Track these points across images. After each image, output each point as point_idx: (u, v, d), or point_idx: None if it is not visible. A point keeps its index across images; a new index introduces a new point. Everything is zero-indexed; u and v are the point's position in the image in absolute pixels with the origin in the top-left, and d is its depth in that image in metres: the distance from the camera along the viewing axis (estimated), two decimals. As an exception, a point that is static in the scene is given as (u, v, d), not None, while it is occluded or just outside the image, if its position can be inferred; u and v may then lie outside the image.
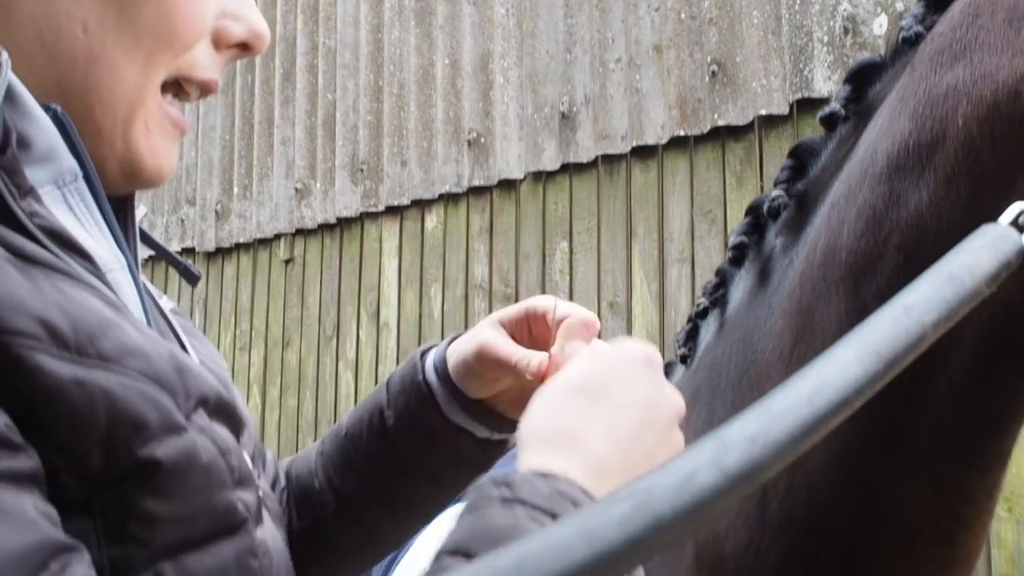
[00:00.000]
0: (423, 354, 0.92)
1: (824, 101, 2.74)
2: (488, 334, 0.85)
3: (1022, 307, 0.78)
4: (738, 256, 1.09)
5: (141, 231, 0.76)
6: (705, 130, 3.01)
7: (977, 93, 0.82)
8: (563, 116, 3.40)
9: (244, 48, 0.73)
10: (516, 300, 3.48)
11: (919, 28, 0.93)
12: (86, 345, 0.55)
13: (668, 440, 0.65)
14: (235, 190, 4.79)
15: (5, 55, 0.59)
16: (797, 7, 2.85)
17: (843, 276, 0.90)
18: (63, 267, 0.59)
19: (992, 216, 0.65)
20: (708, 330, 1.14)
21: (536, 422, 0.64)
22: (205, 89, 0.73)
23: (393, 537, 0.98)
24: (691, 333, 1.17)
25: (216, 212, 4.85)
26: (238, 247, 4.80)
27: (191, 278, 0.84)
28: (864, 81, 0.99)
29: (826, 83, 2.75)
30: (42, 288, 0.55)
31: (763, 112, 2.87)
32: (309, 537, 0.90)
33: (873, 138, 0.92)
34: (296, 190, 4.46)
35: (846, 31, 2.76)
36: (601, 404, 0.63)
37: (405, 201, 3.94)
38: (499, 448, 0.92)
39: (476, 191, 3.70)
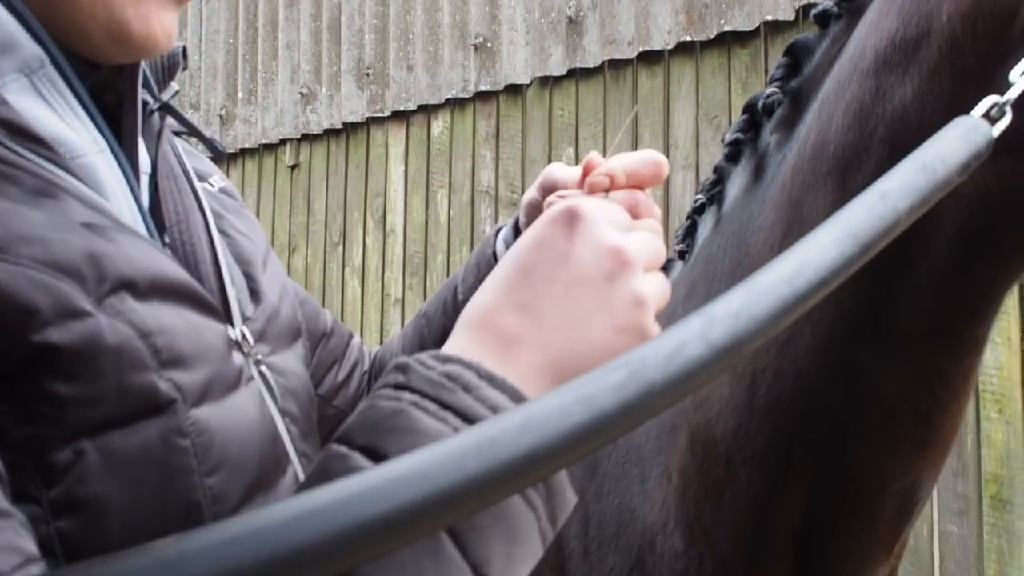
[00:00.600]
0: (497, 232, 0.97)
1: (831, 6, 2.74)
2: (547, 169, 0.88)
3: (997, 197, 0.83)
4: (734, 152, 1.12)
5: (165, 104, 0.77)
6: (711, 35, 3.01)
7: None
8: (570, 21, 3.39)
9: None
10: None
11: None
12: None
13: (620, 309, 0.61)
14: (239, 95, 4.78)
15: None
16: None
17: (831, 169, 0.93)
18: (14, 160, 0.60)
19: (969, 107, 0.70)
20: (706, 226, 1.17)
21: (476, 301, 0.63)
22: None
23: None
24: (689, 229, 1.20)
25: (220, 117, 4.85)
26: (243, 152, 4.82)
27: (218, 152, 0.84)
28: None
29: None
30: None
31: (769, 18, 2.87)
32: None
33: (862, 35, 0.96)
34: (301, 95, 4.46)
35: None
36: (519, 272, 0.61)
37: (411, 106, 3.96)
38: None
39: (482, 96, 3.71)
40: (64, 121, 0.65)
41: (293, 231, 4.59)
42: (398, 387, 0.55)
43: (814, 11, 1.05)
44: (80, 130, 0.66)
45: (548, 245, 0.61)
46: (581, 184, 0.73)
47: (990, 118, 0.68)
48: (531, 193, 0.94)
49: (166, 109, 0.78)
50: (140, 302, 0.61)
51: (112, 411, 0.58)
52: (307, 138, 4.50)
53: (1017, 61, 0.72)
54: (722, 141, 1.16)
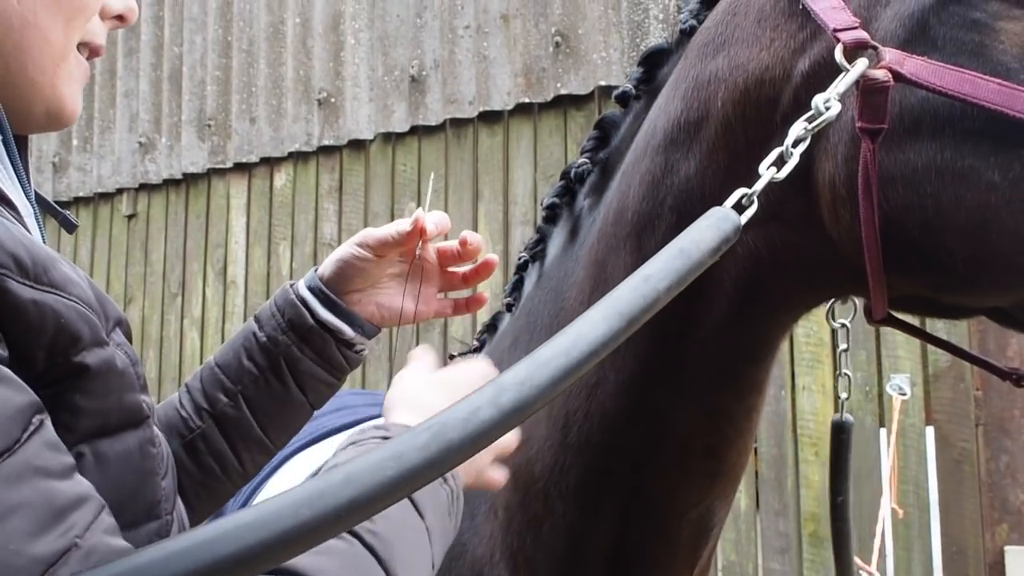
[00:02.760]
0: (291, 285, 1.13)
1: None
2: (360, 235, 1.13)
3: (766, 259, 0.95)
4: (550, 216, 1.23)
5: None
6: (549, 98, 3.15)
7: (732, 80, 0.97)
8: (413, 79, 3.48)
9: (120, 19, 0.89)
10: (365, 258, 3.56)
11: (693, 21, 1.09)
12: (41, 275, 0.68)
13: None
14: (74, 142, 4.64)
15: None
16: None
17: (629, 233, 1.04)
18: (4, 215, 0.71)
19: (745, 182, 0.81)
20: (530, 281, 1.27)
21: (402, 395, 0.91)
22: (95, 54, 0.87)
23: (251, 459, 1.09)
24: (516, 284, 1.30)
25: (54, 164, 4.69)
26: (77, 201, 4.66)
27: (69, 227, 0.96)
28: (654, 64, 1.13)
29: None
30: (8, 228, 0.68)
31: (603, 83, 3.04)
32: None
33: (654, 115, 1.07)
34: (140, 144, 4.37)
35: (679, 9, 2.96)
36: (455, 392, 0.85)
37: (254, 158, 3.94)
38: (356, 358, 1.14)
39: (326, 150, 3.74)
40: (9, 188, 0.77)
41: (130, 282, 4.46)
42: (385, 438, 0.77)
43: (616, 92, 1.17)
44: (18, 195, 0.79)
45: (457, 375, 0.95)
46: (411, 238, 1.06)
47: (740, 207, 0.79)
48: (346, 248, 1.09)
49: None
50: (124, 336, 0.78)
51: (108, 422, 0.72)
52: (145, 188, 4.40)
53: (780, 142, 0.83)
54: (541, 205, 1.26)
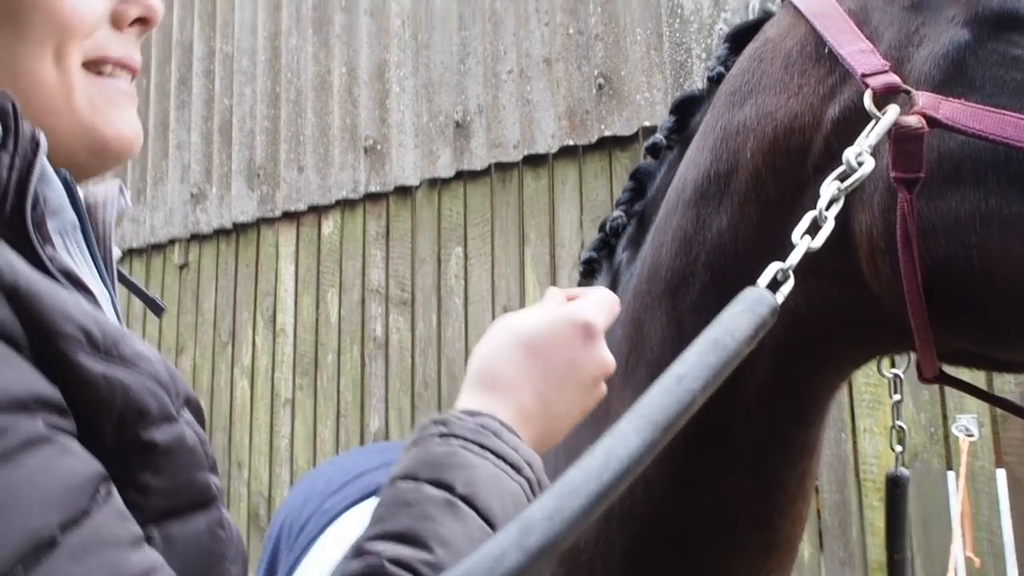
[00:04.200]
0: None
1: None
2: None
3: (806, 317, 0.90)
4: (588, 270, 1.19)
5: (118, 269, 0.87)
6: (593, 140, 3.13)
7: (761, 130, 0.93)
8: (457, 125, 3.48)
9: (143, 22, 0.82)
10: (412, 305, 3.55)
11: (721, 68, 1.05)
12: (111, 349, 0.67)
13: (589, 394, 0.83)
14: (128, 194, 4.72)
15: (44, 138, 0.69)
16: (677, 26, 3.01)
17: (663, 291, 1.00)
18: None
19: (779, 236, 0.76)
20: None
21: (483, 363, 0.81)
22: (123, 66, 0.81)
23: None
24: None
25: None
26: (131, 252, 4.74)
27: (156, 309, 0.96)
28: (685, 112, 1.10)
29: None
30: (80, 303, 0.68)
31: (647, 123, 3.01)
32: None
33: (684, 168, 1.04)
34: (191, 195, 4.44)
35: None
36: (537, 359, 0.80)
37: (302, 207, 3.97)
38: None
39: (372, 197, 3.76)
40: (84, 274, 0.76)
41: (181, 331, 4.50)
42: (444, 435, 0.72)
43: (646, 143, 1.13)
44: (95, 282, 0.79)
45: (567, 348, 0.82)
46: None
47: (776, 283, 0.74)
48: None
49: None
50: (192, 415, 0.75)
51: (177, 502, 0.70)
52: (197, 238, 4.46)
53: (813, 193, 0.79)
54: (579, 259, 1.23)
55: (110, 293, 0.81)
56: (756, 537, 0.98)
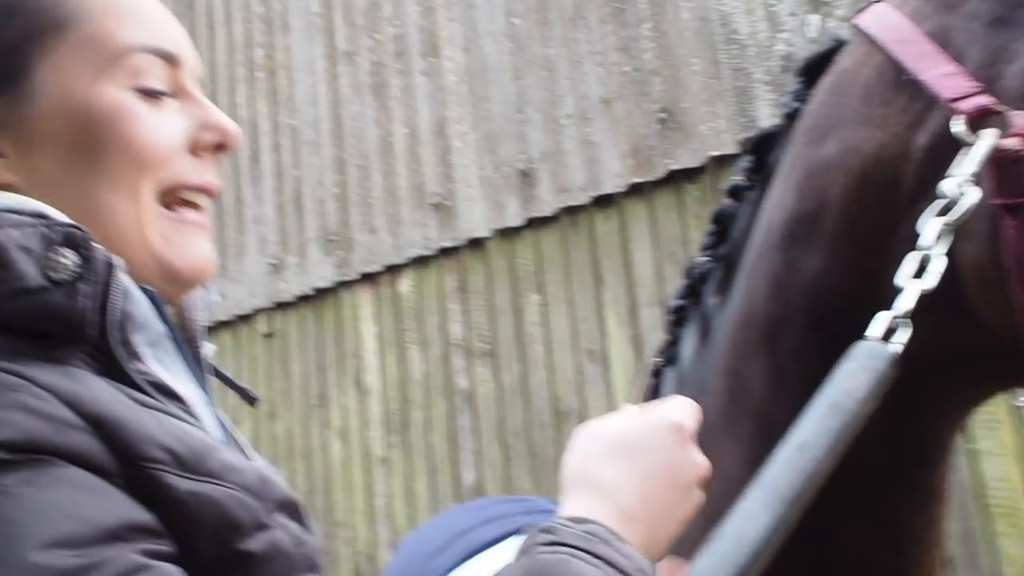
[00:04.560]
0: None
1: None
2: None
3: (917, 356, 0.84)
4: (677, 319, 1.16)
5: (212, 365, 0.89)
6: (660, 175, 3.12)
7: (846, 165, 0.89)
8: (522, 173, 3.50)
9: (220, 147, 0.84)
10: (495, 356, 3.56)
11: (796, 104, 1.01)
12: (198, 466, 0.69)
13: (688, 499, 0.79)
14: (215, 289, 4.85)
15: (119, 261, 0.72)
16: (735, 52, 2.98)
17: (760, 338, 0.97)
18: (167, 410, 0.72)
19: (878, 274, 0.73)
20: (668, 385, 1.19)
21: (578, 467, 0.80)
22: (203, 191, 0.83)
23: None
24: (654, 389, 1.23)
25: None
26: (219, 325, 4.85)
27: (250, 400, 0.96)
28: (763, 150, 1.06)
29: (772, 119, 2.86)
30: (162, 422, 0.69)
31: (714, 153, 2.98)
32: None
33: (769, 209, 1.00)
34: (271, 265, 4.53)
35: (785, 69, 2.89)
36: (635, 462, 0.78)
37: (377, 267, 4.03)
38: None
39: (445, 252, 3.79)
40: (178, 380, 0.78)
41: (272, 398, 4.58)
42: (552, 544, 0.70)
43: (727, 186, 1.11)
44: (189, 386, 0.80)
45: (663, 450, 0.79)
46: None
47: (889, 332, 0.70)
48: None
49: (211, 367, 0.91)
50: (288, 518, 0.76)
51: None
52: (280, 306, 4.55)
53: (909, 225, 0.76)
54: (667, 308, 1.20)
55: (205, 392, 0.82)
56: None
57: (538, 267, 3.47)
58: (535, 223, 3.48)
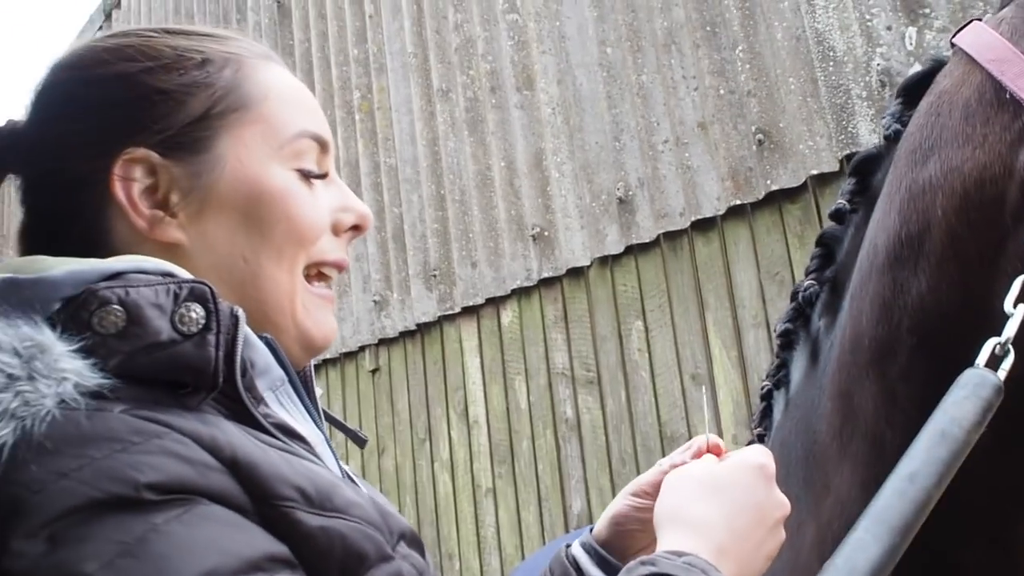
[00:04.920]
0: (568, 546, 1.11)
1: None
2: (631, 484, 1.08)
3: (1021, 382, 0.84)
4: (786, 342, 1.17)
5: (324, 410, 0.95)
6: (760, 196, 3.10)
7: (949, 186, 0.90)
8: (620, 201, 3.52)
9: (356, 228, 0.93)
10: (599, 384, 3.57)
11: (897, 126, 1.02)
12: (325, 502, 0.74)
13: (774, 537, 0.84)
14: (317, 310, 4.99)
15: (241, 312, 0.78)
16: (831, 69, 2.96)
17: (869, 361, 0.97)
18: (292, 450, 0.78)
19: (983, 293, 0.73)
20: (778, 409, 1.21)
21: (670, 507, 0.85)
22: (337, 267, 0.92)
23: None
24: (764, 412, 1.24)
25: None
26: (326, 363, 4.98)
27: (359, 442, 1.02)
28: (866, 172, 1.07)
29: (871, 135, 2.83)
30: (291, 462, 0.74)
31: (814, 172, 2.95)
32: None
33: (873, 232, 1.01)
34: (375, 302, 4.64)
35: (883, 84, 2.85)
36: (724, 501, 0.83)
37: (479, 300, 4.08)
38: None
39: (546, 282, 3.83)
40: (298, 422, 0.84)
41: (380, 432, 4.67)
42: (653, 575, 0.74)
43: (829, 210, 1.12)
44: (308, 427, 0.86)
45: (750, 490, 0.84)
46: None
47: (996, 358, 0.71)
48: (619, 502, 1.05)
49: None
50: (409, 548, 0.81)
51: None
52: (384, 342, 4.65)
53: (1016, 244, 0.75)
54: (775, 331, 1.21)
55: (323, 434, 0.88)
56: None
57: (639, 293, 3.47)
58: (635, 249, 3.49)
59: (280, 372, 0.84)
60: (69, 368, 0.69)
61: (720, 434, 3.11)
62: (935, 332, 0.88)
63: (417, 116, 4.48)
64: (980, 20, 0.94)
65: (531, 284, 3.87)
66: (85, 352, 0.70)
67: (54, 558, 0.62)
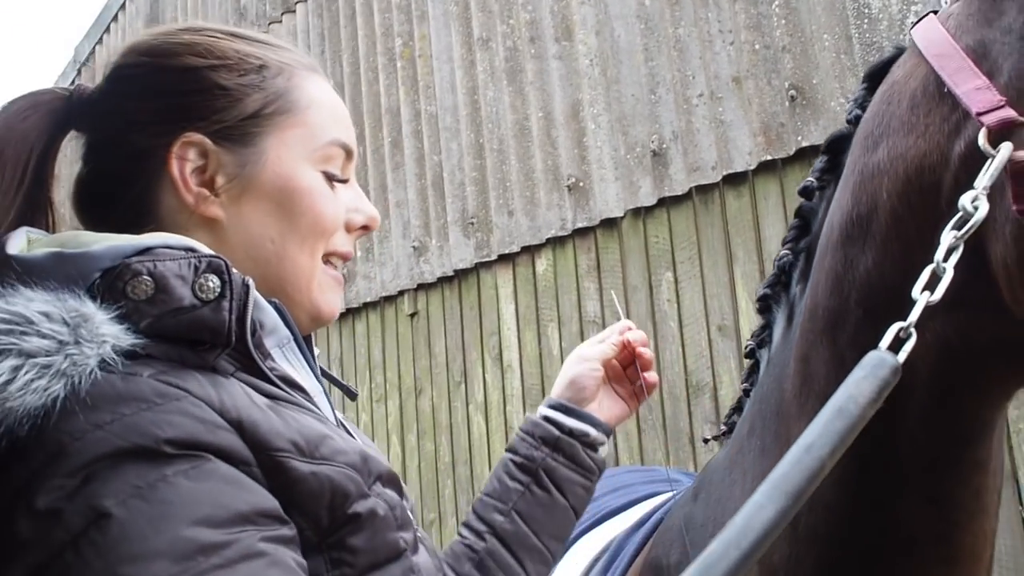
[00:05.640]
0: (529, 416, 1.32)
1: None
2: (579, 353, 1.37)
3: (958, 347, 0.92)
4: (764, 307, 1.25)
5: (320, 367, 1.10)
6: (791, 152, 3.14)
7: (894, 171, 0.96)
8: (654, 153, 3.57)
9: (365, 228, 1.09)
10: (629, 331, 3.65)
11: (858, 111, 1.08)
12: (314, 452, 0.87)
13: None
14: (359, 254, 5.11)
15: (251, 281, 0.90)
16: (866, 26, 2.97)
17: (823, 329, 1.05)
18: (293, 400, 0.92)
19: (921, 267, 0.80)
20: (762, 366, 1.30)
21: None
22: (344, 257, 1.07)
23: (533, 568, 1.27)
24: (751, 369, 1.32)
25: (343, 276, 5.19)
26: (366, 306, 5.12)
27: (350, 394, 1.17)
28: (838, 150, 1.13)
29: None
30: (286, 419, 0.87)
31: (845, 129, 2.98)
32: None
33: (831, 210, 1.08)
34: (414, 248, 4.75)
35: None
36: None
37: (515, 248, 4.17)
38: (600, 460, 1.29)
39: (580, 232, 3.90)
40: (300, 375, 0.98)
41: (417, 374, 4.80)
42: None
43: (798, 187, 1.18)
44: (310, 380, 1.00)
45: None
46: (622, 350, 1.34)
47: (898, 341, 0.78)
48: (574, 368, 1.33)
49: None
50: (384, 487, 0.94)
51: (377, 558, 0.90)
52: (422, 287, 4.76)
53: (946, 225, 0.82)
54: (755, 296, 1.29)
55: (321, 385, 1.03)
56: (936, 553, 1.01)
57: (670, 245, 3.54)
58: (667, 202, 3.55)
59: (286, 332, 0.98)
60: (108, 332, 0.81)
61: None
62: (879, 305, 0.94)
63: (457, 64, 4.53)
64: (935, 12, 1.00)
65: (565, 234, 3.95)
66: (120, 318, 0.83)
67: (84, 491, 0.75)
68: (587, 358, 1.33)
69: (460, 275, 4.53)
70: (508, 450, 1.29)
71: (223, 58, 1.00)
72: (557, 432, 1.25)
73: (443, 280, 4.63)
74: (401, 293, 4.88)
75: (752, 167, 3.25)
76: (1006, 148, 0.82)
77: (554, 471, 1.24)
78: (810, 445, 0.71)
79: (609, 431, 1.30)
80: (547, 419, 1.28)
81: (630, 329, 1.39)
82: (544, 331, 4.06)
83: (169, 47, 1.00)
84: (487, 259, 4.33)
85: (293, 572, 0.79)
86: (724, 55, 3.36)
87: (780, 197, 3.20)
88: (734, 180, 3.33)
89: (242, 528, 0.78)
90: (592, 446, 1.27)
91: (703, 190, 3.43)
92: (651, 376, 1.37)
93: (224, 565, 0.74)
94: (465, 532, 1.26)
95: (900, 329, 0.79)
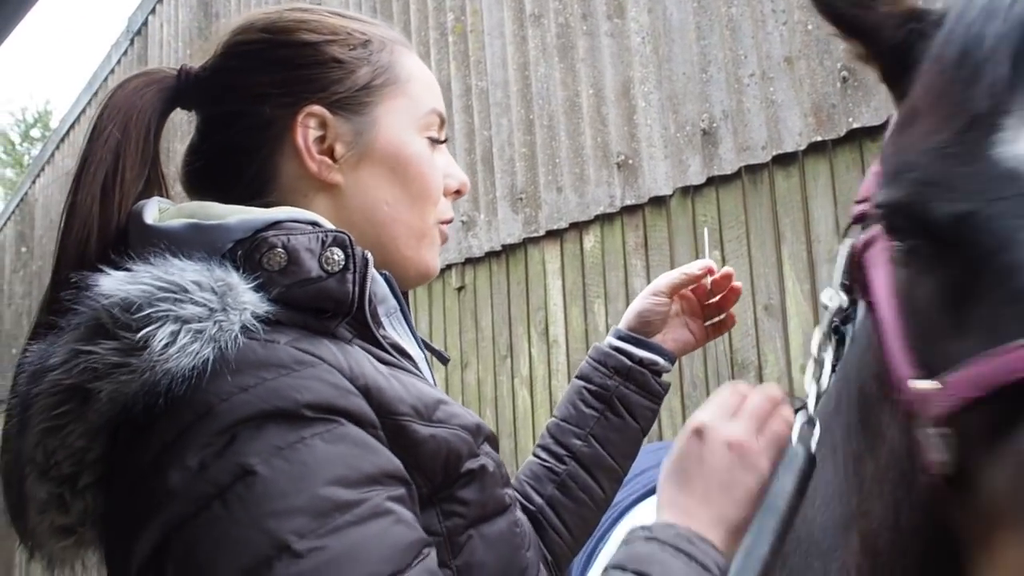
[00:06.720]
0: (598, 345, 1.42)
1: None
2: (652, 285, 1.47)
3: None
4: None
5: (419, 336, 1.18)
6: (842, 133, 3.13)
7: None
8: (704, 132, 3.58)
9: (457, 193, 1.17)
10: (674, 309, 3.68)
11: None
12: (431, 415, 0.95)
13: (747, 502, 0.93)
14: (408, 228, 5.18)
15: (370, 255, 0.97)
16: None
17: None
18: (404, 366, 0.99)
19: None
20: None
21: (663, 495, 0.99)
22: (448, 222, 1.15)
23: (609, 485, 1.38)
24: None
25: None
26: (414, 279, 5.19)
27: (443, 359, 1.24)
28: None
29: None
30: (405, 384, 0.94)
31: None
32: (543, 515, 1.33)
33: None
34: (463, 222, 4.81)
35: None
36: (693, 480, 0.96)
37: (563, 224, 4.21)
38: (666, 384, 1.40)
39: (628, 210, 3.93)
40: (405, 342, 1.07)
41: (464, 348, 4.87)
42: (648, 538, 0.89)
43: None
44: (413, 347, 1.09)
45: (688, 455, 0.97)
46: (697, 279, 1.42)
47: (803, 430, 0.85)
48: (642, 301, 1.40)
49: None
50: (490, 447, 1.03)
51: (486, 511, 0.98)
52: (470, 261, 4.82)
53: None
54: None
55: (423, 352, 1.11)
56: None
57: (719, 224, 3.55)
58: (716, 181, 3.57)
59: (394, 302, 1.07)
60: (248, 300, 0.89)
61: (789, 363, 3.21)
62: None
63: (509, 40, 4.56)
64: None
65: (614, 211, 3.98)
66: (257, 287, 0.90)
67: (231, 449, 0.82)
68: (657, 291, 1.43)
69: (508, 250, 4.58)
70: (580, 377, 1.40)
71: (334, 33, 1.07)
72: (629, 362, 1.37)
73: (491, 255, 4.68)
74: (449, 267, 4.94)
75: (802, 148, 3.25)
76: (850, 240, 0.89)
77: (627, 398, 1.36)
78: (749, 549, 0.80)
79: (674, 359, 1.41)
80: (617, 349, 1.38)
81: (710, 270, 1.48)
82: (590, 307, 4.11)
83: (285, 24, 1.07)
84: (535, 235, 4.38)
85: (415, 530, 0.86)
86: (776, 35, 3.36)
87: (829, 178, 3.20)
88: (784, 160, 3.33)
89: (371, 488, 0.84)
90: (659, 373, 1.39)
91: (752, 170, 3.44)
92: (731, 313, 1.48)
93: (356, 522, 0.81)
94: (544, 455, 1.38)
95: (806, 420, 0.86)
